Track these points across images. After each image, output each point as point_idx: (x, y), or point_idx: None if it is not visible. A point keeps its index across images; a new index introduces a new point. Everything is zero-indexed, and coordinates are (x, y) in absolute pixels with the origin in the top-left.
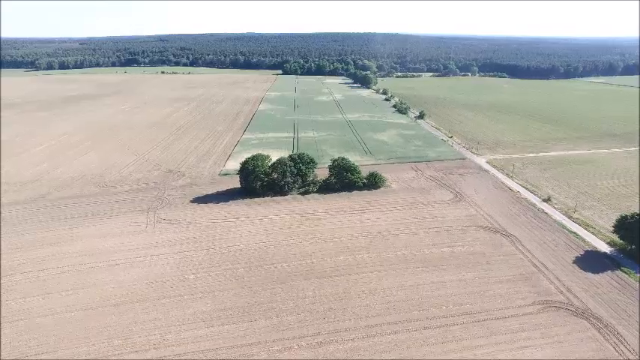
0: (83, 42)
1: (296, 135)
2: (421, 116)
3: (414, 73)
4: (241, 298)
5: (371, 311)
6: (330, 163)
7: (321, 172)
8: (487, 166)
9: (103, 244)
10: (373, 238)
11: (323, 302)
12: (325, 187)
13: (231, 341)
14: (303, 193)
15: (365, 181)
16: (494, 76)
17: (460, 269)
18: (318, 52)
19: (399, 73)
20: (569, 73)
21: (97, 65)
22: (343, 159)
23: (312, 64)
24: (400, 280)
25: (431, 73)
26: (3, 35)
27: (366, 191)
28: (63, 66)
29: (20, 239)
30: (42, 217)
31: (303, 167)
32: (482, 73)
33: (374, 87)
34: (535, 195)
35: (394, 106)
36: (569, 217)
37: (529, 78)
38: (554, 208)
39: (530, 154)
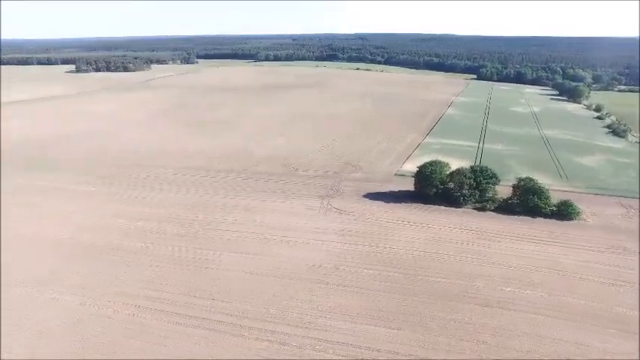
0: (295, 38)
1: (481, 145)
2: None
3: None
4: (391, 302)
5: None
6: (514, 181)
7: (502, 190)
8: None
9: (280, 219)
10: (552, 276)
11: (477, 332)
12: (504, 207)
13: (372, 343)
14: (479, 209)
15: (553, 208)
16: None
17: None
18: (520, 57)
19: (623, 86)
20: None
21: (303, 59)
22: (531, 179)
23: (512, 71)
24: (578, 335)
25: None
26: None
27: (553, 220)
28: (276, 58)
29: (220, 201)
30: (239, 186)
31: (483, 181)
32: None
33: (584, 101)
34: None
35: (608, 127)
36: None
37: None
38: None
39: None
